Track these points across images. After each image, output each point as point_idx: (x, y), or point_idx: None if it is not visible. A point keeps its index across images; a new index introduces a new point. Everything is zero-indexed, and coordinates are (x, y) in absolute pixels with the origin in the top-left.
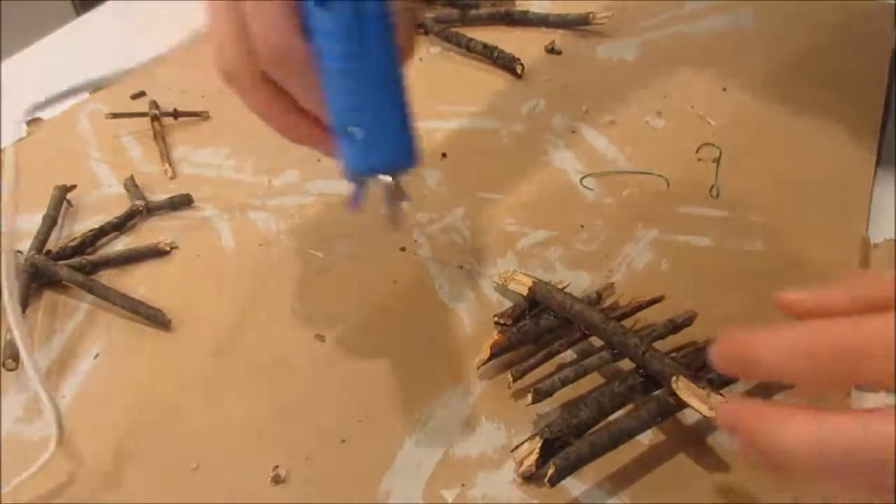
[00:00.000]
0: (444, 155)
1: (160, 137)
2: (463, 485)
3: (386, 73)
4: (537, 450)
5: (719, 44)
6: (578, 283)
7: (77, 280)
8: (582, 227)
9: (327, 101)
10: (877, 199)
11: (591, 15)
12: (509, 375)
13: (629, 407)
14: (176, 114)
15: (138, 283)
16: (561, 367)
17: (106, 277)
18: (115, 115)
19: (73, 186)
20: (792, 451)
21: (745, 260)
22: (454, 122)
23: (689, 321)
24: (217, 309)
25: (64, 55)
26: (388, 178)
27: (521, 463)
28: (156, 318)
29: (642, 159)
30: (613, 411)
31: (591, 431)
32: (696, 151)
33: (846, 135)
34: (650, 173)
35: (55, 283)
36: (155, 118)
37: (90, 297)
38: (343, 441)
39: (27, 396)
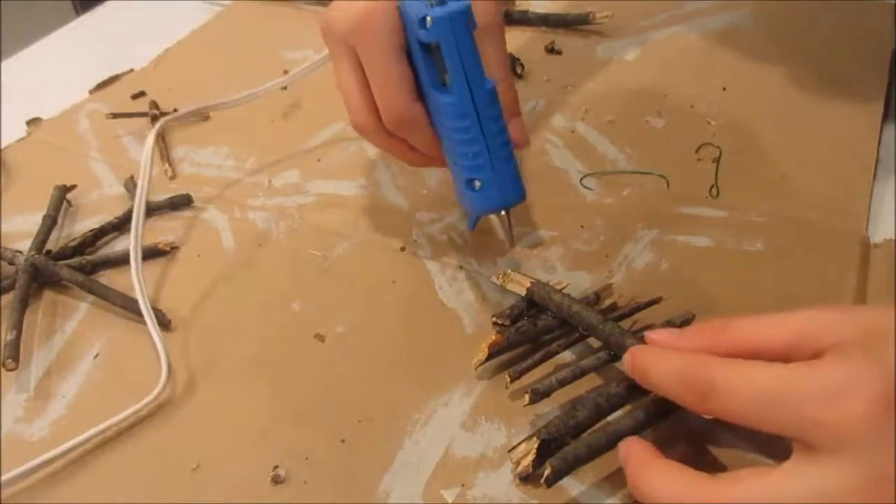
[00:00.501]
0: None
1: (160, 137)
2: (463, 485)
3: (497, 136)
4: (534, 450)
5: (719, 44)
6: (578, 283)
7: (77, 280)
8: (582, 226)
9: (449, 159)
10: (877, 199)
11: (591, 15)
12: (507, 376)
13: (627, 408)
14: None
15: None
16: (559, 367)
17: (106, 277)
18: (115, 115)
19: (73, 186)
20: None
21: (745, 260)
22: None
23: (687, 322)
24: (217, 309)
25: (64, 55)
26: (503, 212)
27: (518, 463)
28: (156, 319)
29: (642, 159)
30: (611, 412)
31: (588, 432)
32: (696, 151)
33: (846, 134)
34: (650, 173)
35: (55, 283)
36: (155, 118)
37: (90, 297)
38: (343, 441)
39: (27, 396)
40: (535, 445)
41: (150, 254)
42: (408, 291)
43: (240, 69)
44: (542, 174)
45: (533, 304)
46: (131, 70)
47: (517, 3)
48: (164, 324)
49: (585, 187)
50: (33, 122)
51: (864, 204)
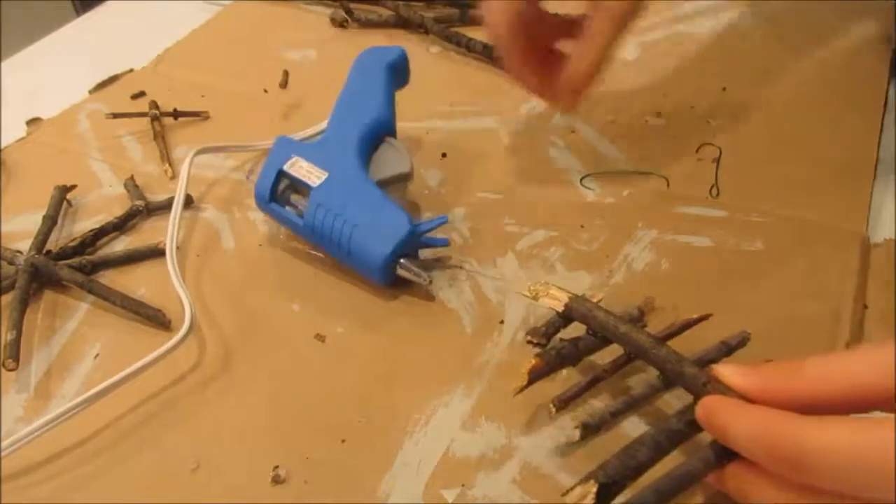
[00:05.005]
0: (444, 155)
1: (160, 137)
2: (463, 485)
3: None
4: (592, 494)
5: (719, 44)
6: (579, 283)
7: (77, 280)
8: (582, 226)
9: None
10: (877, 199)
11: None
12: (550, 405)
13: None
14: (176, 114)
15: (138, 283)
16: (595, 379)
17: (106, 277)
18: (116, 115)
19: (73, 186)
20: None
21: (745, 260)
22: (454, 122)
23: (742, 343)
24: (217, 309)
25: (64, 55)
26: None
27: None
28: (156, 319)
29: (642, 159)
30: (671, 450)
31: (650, 475)
32: (696, 151)
33: (846, 135)
34: (650, 173)
35: (55, 283)
36: (155, 118)
37: (90, 298)
38: (343, 441)
39: (27, 396)
40: (593, 490)
41: (150, 254)
42: (408, 291)
43: (240, 69)
44: (542, 174)
45: (570, 320)
46: (131, 70)
47: None
48: (163, 323)
49: (585, 187)
50: (33, 122)
51: (864, 204)
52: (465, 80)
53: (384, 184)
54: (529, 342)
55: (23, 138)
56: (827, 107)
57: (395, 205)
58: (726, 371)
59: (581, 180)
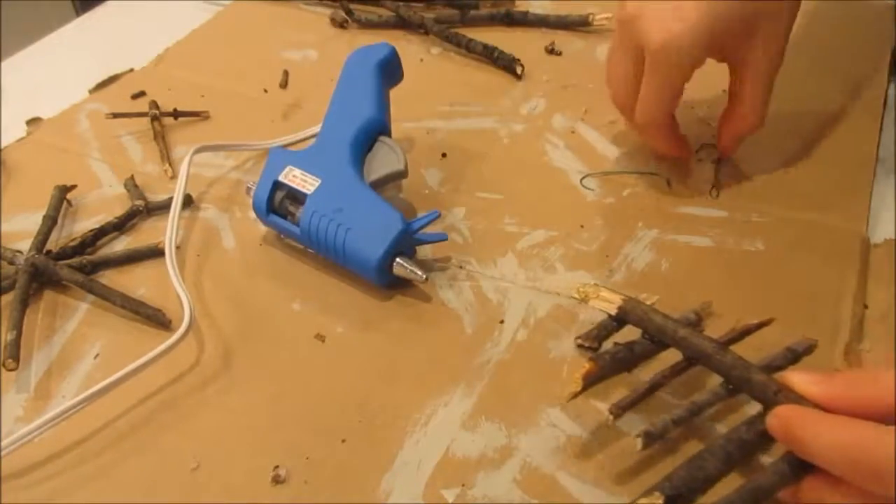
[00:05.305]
0: (443, 155)
1: (160, 137)
2: (463, 485)
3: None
4: None
5: None
6: (578, 282)
7: (77, 280)
8: (582, 226)
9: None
10: (877, 199)
11: (590, 16)
12: (608, 413)
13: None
14: (176, 114)
15: (138, 282)
16: (654, 386)
17: (106, 277)
18: (115, 115)
19: (73, 186)
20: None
21: (745, 260)
22: (454, 122)
23: (809, 349)
24: (217, 309)
25: (64, 55)
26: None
27: None
28: (156, 318)
29: (643, 159)
30: (741, 462)
31: (716, 488)
32: (697, 152)
33: (846, 135)
34: (650, 173)
35: (55, 283)
36: (155, 118)
37: (90, 297)
38: (343, 441)
39: (27, 396)
40: (659, 502)
41: (150, 253)
42: (408, 291)
43: (240, 69)
44: (542, 174)
45: (622, 323)
46: (131, 70)
47: (517, 3)
48: (163, 323)
49: (585, 187)
50: (33, 122)
51: (864, 204)
52: (465, 80)
53: (379, 183)
54: (580, 346)
55: (23, 138)
56: (827, 107)
57: (387, 204)
58: (798, 379)
59: (581, 180)
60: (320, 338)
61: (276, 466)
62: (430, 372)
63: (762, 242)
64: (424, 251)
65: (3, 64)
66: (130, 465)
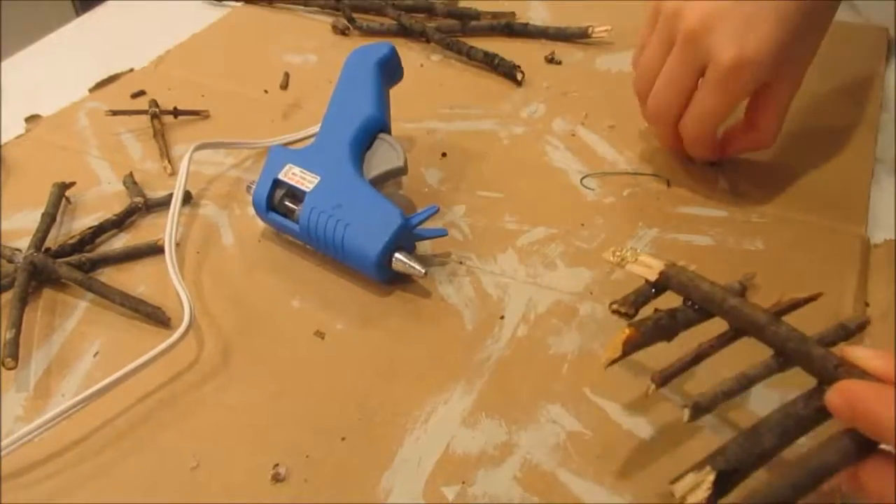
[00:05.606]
0: (444, 154)
1: (160, 135)
2: (463, 482)
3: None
4: (709, 483)
5: None
6: (579, 279)
7: (76, 278)
8: (582, 225)
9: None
10: (877, 199)
11: (590, 28)
12: (651, 382)
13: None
14: (176, 112)
15: (138, 280)
16: (699, 356)
17: (105, 275)
18: (115, 112)
19: (72, 184)
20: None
21: (746, 259)
22: (454, 123)
23: (862, 326)
24: (217, 306)
25: (64, 55)
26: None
27: (683, 499)
28: (155, 316)
29: (643, 160)
30: (797, 438)
31: (772, 464)
32: None
33: (846, 135)
34: (650, 174)
35: (54, 281)
36: (155, 116)
37: (89, 295)
38: (343, 439)
39: (27, 395)
40: (711, 477)
41: (149, 251)
42: (408, 288)
43: (240, 72)
44: (542, 174)
45: (662, 290)
46: (131, 70)
47: (517, 15)
48: (163, 321)
49: (586, 187)
50: (32, 119)
51: (864, 204)
52: (465, 84)
53: (379, 179)
54: (615, 312)
55: (22, 135)
56: (826, 107)
57: (386, 200)
58: (861, 353)
59: (581, 180)
60: (320, 335)
61: (276, 465)
62: (430, 369)
63: (762, 242)
64: (424, 247)
65: (3, 64)
66: (130, 463)
